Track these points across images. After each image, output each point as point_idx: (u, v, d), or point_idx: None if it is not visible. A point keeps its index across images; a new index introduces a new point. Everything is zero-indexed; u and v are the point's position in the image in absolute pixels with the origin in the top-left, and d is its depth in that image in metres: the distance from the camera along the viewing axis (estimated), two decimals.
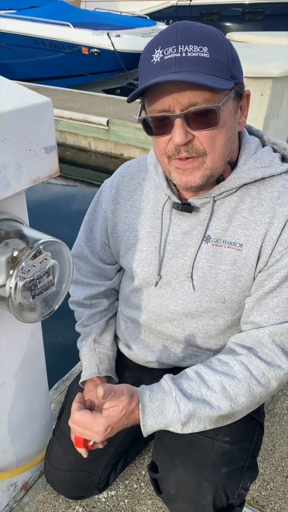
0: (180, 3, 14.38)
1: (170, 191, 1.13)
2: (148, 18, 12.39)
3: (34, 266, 0.89)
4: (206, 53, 0.89)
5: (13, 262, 0.87)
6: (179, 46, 0.89)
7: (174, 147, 0.97)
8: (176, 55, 0.89)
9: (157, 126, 0.98)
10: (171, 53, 0.89)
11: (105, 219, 1.30)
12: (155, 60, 0.91)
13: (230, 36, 4.56)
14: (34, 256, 0.89)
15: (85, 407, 1.11)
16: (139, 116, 1.01)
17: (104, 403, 1.06)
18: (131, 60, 9.00)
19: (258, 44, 4.03)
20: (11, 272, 0.87)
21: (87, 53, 9.62)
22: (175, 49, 0.89)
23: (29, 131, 0.86)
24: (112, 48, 9.26)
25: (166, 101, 0.92)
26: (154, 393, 1.06)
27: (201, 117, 0.93)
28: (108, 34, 9.25)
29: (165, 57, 0.90)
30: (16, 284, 0.87)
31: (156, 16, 13.46)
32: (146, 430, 1.06)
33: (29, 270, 0.88)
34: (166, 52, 0.90)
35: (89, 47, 9.54)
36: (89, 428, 1.05)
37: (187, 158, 0.98)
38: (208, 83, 0.88)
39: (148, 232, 1.21)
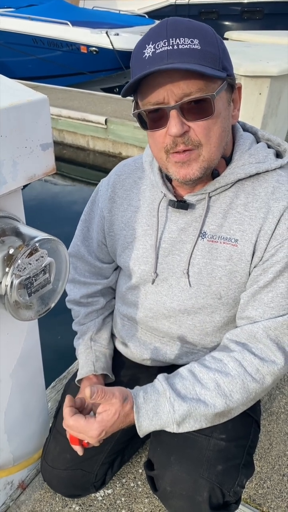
0: (179, 2, 14.35)
1: (166, 188, 1.13)
2: (147, 16, 12.38)
3: (30, 264, 0.89)
4: (197, 45, 0.90)
5: (9, 260, 0.87)
6: (170, 39, 0.90)
7: (172, 139, 0.97)
8: (168, 48, 0.90)
9: (152, 120, 0.98)
10: (162, 46, 0.90)
11: (101, 218, 1.30)
12: (147, 55, 0.92)
13: (228, 35, 4.56)
14: (30, 254, 0.88)
15: (76, 406, 1.13)
16: (133, 112, 1.02)
17: (98, 404, 1.06)
18: (129, 58, 8.90)
19: (256, 43, 4.03)
20: (6, 269, 0.87)
21: (85, 51, 9.60)
22: (166, 43, 0.90)
23: (25, 128, 0.86)
24: (110, 47, 9.25)
25: (160, 93, 0.93)
26: (148, 395, 1.06)
27: (196, 107, 0.93)
28: (106, 33, 9.23)
29: (157, 51, 0.91)
30: (12, 282, 0.87)
31: (154, 14, 13.43)
32: (141, 432, 1.06)
33: (25, 268, 0.88)
34: (158, 46, 0.91)
35: (88, 46, 9.52)
36: (83, 432, 1.06)
37: (184, 151, 0.98)
38: (203, 70, 0.88)
39: (144, 230, 1.21)
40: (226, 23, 13.75)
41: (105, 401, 1.03)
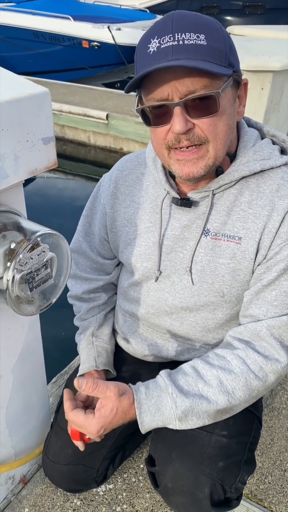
0: None
1: (169, 186, 1.12)
2: (148, 11, 12.31)
3: (32, 258, 0.89)
4: (203, 40, 0.88)
5: (10, 255, 0.87)
6: (176, 34, 0.88)
7: (174, 136, 0.96)
8: (173, 43, 0.88)
9: (155, 116, 0.97)
10: (168, 41, 0.88)
11: (104, 214, 1.29)
12: (152, 49, 0.90)
13: (230, 29, 4.53)
14: (32, 249, 0.88)
15: (81, 400, 1.15)
16: (136, 107, 1.00)
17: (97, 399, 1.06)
18: (131, 53, 8.76)
19: (258, 38, 4.01)
20: (8, 264, 0.86)
21: (87, 46, 9.55)
22: (172, 38, 0.88)
23: (27, 121, 0.86)
24: (112, 42, 9.20)
25: (165, 89, 0.91)
26: (150, 390, 1.05)
27: (201, 104, 0.92)
28: (108, 28, 9.18)
29: (162, 46, 0.89)
30: (13, 277, 0.87)
31: (156, 9, 13.35)
32: (144, 428, 1.05)
33: (26, 263, 0.88)
34: (163, 41, 0.89)
35: (90, 40, 9.47)
36: (83, 427, 1.07)
37: (188, 147, 0.97)
38: (208, 67, 0.87)
39: (147, 227, 1.20)
40: (228, 18, 13.66)
41: (99, 394, 1.03)
